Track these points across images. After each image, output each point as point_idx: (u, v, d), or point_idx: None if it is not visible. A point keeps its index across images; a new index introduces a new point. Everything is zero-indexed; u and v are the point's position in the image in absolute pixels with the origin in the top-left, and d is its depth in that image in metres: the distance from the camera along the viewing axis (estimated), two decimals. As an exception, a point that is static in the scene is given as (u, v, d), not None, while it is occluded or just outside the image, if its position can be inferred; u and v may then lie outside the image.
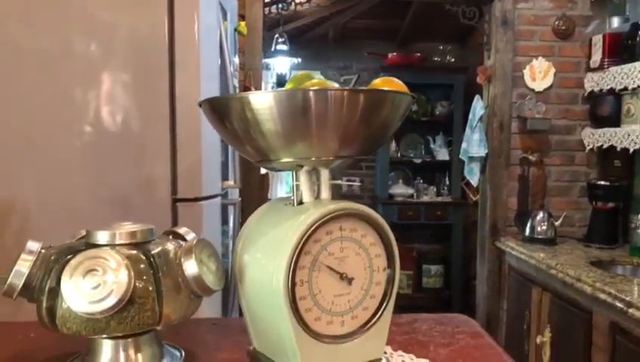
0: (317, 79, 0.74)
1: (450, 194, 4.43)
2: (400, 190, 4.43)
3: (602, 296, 1.82)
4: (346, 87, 0.69)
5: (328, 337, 0.72)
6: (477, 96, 2.99)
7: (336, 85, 0.72)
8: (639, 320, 1.62)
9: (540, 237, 2.61)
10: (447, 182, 4.49)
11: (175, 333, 0.84)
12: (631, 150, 2.37)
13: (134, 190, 1.48)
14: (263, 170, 2.98)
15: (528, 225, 2.66)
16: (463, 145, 3.03)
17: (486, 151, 2.87)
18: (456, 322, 0.90)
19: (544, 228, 2.62)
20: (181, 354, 0.80)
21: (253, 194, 2.70)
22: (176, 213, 1.45)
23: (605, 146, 2.58)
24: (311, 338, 0.70)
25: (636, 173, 2.62)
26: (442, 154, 4.47)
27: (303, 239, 0.69)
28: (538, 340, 2.29)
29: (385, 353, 0.78)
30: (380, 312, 0.76)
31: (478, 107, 2.95)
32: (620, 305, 1.72)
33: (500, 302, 2.84)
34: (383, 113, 0.72)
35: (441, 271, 4.40)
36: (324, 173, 0.76)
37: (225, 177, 1.71)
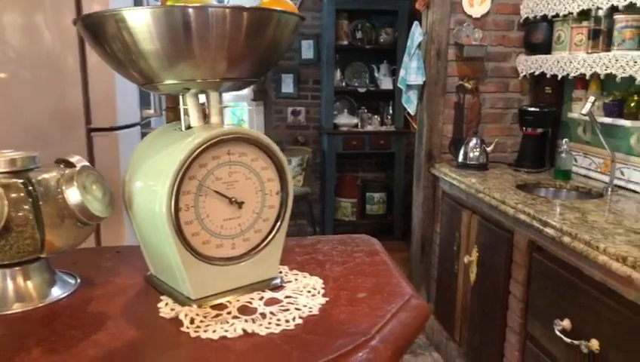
0: (198, -5, 0.70)
1: (393, 124, 4.47)
2: (345, 120, 4.43)
3: (522, 217, 1.92)
4: (228, 5, 0.66)
5: (219, 259, 0.73)
6: (415, 23, 2.95)
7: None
8: (553, 238, 1.72)
9: (472, 163, 2.69)
10: (391, 112, 4.51)
11: (73, 262, 0.84)
12: (559, 76, 2.42)
13: (48, 119, 1.42)
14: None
15: (461, 151, 2.72)
16: (401, 72, 3.02)
17: (424, 80, 2.87)
18: (357, 242, 0.93)
19: (476, 154, 2.69)
20: (76, 281, 0.79)
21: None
22: (91, 143, 1.41)
23: (537, 73, 2.63)
24: (199, 261, 0.71)
25: (565, 99, 2.70)
26: (386, 83, 4.46)
27: (186, 164, 0.68)
28: (466, 260, 2.41)
29: (280, 272, 0.80)
30: (272, 234, 0.77)
31: (416, 34, 2.91)
32: (537, 224, 1.82)
33: (434, 225, 2.96)
34: (269, 33, 0.70)
35: (383, 199, 4.51)
36: (214, 97, 0.74)
37: (146, 105, 1.66)
